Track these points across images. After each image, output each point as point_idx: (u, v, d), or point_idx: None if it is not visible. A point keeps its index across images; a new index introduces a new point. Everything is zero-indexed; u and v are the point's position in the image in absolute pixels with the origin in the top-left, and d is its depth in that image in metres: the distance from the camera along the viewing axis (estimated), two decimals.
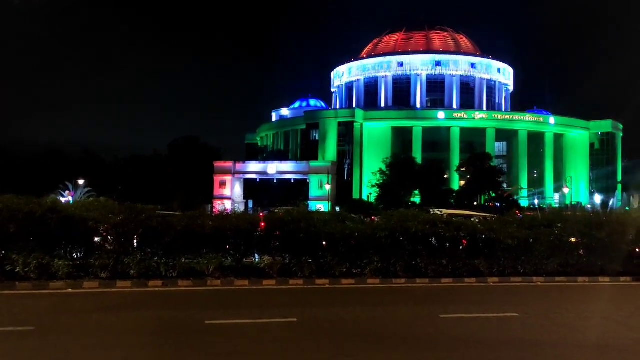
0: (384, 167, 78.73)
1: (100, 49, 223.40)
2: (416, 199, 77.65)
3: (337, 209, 67.57)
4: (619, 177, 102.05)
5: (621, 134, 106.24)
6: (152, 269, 18.48)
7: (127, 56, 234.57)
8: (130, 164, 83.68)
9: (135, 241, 19.34)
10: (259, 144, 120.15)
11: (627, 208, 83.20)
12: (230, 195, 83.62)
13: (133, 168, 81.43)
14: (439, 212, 26.73)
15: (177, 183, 76.72)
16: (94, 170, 78.02)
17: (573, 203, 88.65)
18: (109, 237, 19.26)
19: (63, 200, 46.88)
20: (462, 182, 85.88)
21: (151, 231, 19.07)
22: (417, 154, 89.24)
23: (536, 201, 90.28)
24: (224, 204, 64.19)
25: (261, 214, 28.18)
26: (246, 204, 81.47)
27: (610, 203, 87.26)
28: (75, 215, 18.86)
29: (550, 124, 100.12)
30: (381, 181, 77.58)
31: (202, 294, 17.10)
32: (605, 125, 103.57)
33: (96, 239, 19.30)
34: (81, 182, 70.41)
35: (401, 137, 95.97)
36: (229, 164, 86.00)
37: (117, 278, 17.85)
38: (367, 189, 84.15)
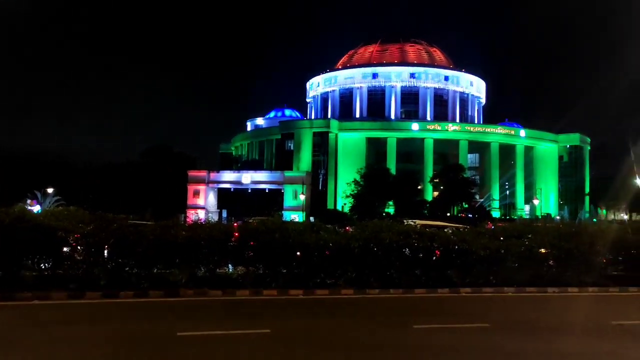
0: (358, 178, 79.10)
1: (76, 58, 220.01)
2: (390, 209, 78.13)
3: (312, 219, 67.51)
4: (587, 189, 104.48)
5: (589, 147, 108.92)
6: (123, 279, 18.16)
7: (100, 64, 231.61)
8: (102, 172, 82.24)
9: (106, 251, 19.01)
10: (234, 154, 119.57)
11: (594, 220, 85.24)
12: (204, 204, 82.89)
13: (105, 176, 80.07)
14: (412, 223, 26.96)
15: (150, 192, 75.73)
16: (64, 177, 76.41)
17: (543, 214, 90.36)
18: (79, 247, 18.88)
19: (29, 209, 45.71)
20: (436, 193, 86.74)
21: (123, 241, 18.77)
22: (392, 165, 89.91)
23: (508, 212, 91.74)
24: (197, 213, 63.70)
25: (235, 224, 28.01)
26: (220, 214, 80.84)
27: (579, 214, 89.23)
28: (44, 225, 18.45)
29: (521, 136, 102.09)
30: (355, 192, 77.88)
31: (174, 305, 16.85)
32: (573, 139, 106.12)
33: (65, 249, 18.90)
34: (50, 190, 68.83)
35: (376, 147, 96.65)
36: (203, 173, 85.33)
37: (87, 289, 17.48)
38: (342, 199, 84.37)
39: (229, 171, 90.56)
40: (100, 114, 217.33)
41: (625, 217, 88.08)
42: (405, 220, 29.88)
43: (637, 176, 59.62)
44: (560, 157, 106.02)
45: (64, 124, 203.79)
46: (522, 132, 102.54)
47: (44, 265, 18.60)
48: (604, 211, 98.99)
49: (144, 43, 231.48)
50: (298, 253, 20.15)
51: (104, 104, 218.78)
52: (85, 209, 21.71)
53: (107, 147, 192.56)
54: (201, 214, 64.33)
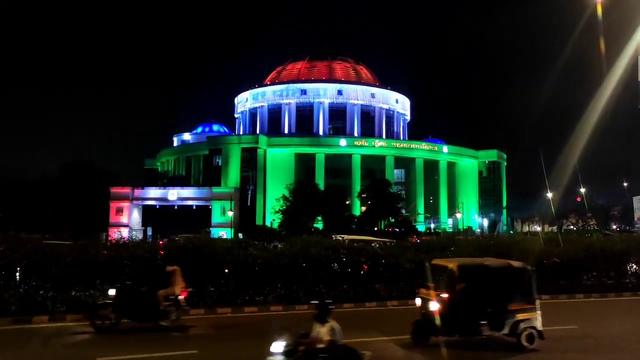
0: (287, 193, 79.17)
1: None
2: (319, 224, 78.64)
3: (240, 235, 66.71)
4: (504, 203, 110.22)
5: (505, 163, 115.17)
6: (37, 303, 17.08)
7: (18, 76, 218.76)
8: (14, 188, 77.19)
9: (18, 274, 17.84)
10: (159, 169, 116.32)
11: (511, 232, 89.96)
12: (127, 222, 79.88)
13: (18, 193, 75.26)
14: (340, 238, 27.26)
15: (68, 210, 71.99)
16: None
17: (465, 227, 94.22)
18: None
19: None
20: (364, 208, 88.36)
21: (37, 262, 17.71)
22: (320, 180, 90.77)
23: (432, 225, 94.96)
24: (120, 231, 61.12)
25: (161, 242, 27.19)
26: (145, 232, 78.11)
27: (497, 226, 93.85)
28: None
29: (444, 152, 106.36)
30: (284, 207, 77.83)
31: (91, 329, 16.01)
32: (491, 155, 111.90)
33: None
34: None
35: (304, 163, 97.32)
36: (126, 190, 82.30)
37: None
38: (271, 215, 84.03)
39: (154, 187, 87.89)
40: (17, 131, 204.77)
41: (539, 228, 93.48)
42: (333, 235, 30.20)
43: (548, 190, 63.61)
44: (480, 172, 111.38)
45: None
46: (445, 148, 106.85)
47: None
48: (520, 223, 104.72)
49: (65, 53, 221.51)
50: (226, 270, 19.86)
51: (21, 120, 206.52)
52: None
53: (22, 164, 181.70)
54: (124, 232, 61.83)
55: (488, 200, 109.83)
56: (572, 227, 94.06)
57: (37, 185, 78.96)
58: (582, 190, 78.86)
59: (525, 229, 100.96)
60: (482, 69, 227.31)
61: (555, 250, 24.70)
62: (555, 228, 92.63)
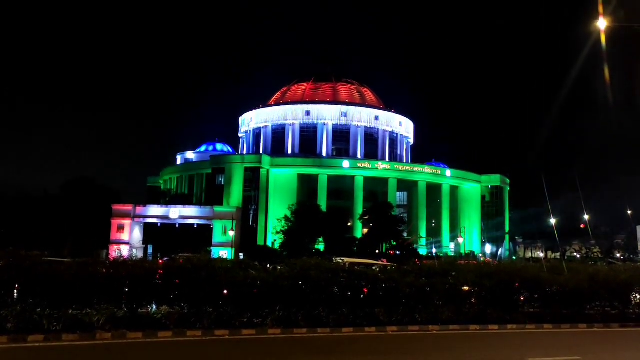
0: (289, 214, 78.98)
1: None
2: (320, 246, 78.27)
3: (241, 255, 66.48)
4: (507, 228, 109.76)
5: (508, 188, 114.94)
6: (33, 321, 16.90)
7: (22, 93, 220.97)
8: (15, 204, 77.17)
9: (15, 291, 17.71)
10: (162, 187, 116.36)
11: (513, 257, 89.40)
12: (128, 240, 79.71)
13: (19, 209, 75.22)
14: (340, 261, 27.07)
15: (69, 227, 71.90)
16: None
17: (467, 252, 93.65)
18: None
19: None
20: (365, 230, 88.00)
21: (35, 280, 17.58)
22: (322, 202, 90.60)
23: (434, 250, 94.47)
24: (120, 249, 60.95)
25: (160, 261, 27.06)
26: (145, 250, 77.97)
27: (499, 252, 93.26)
28: None
29: (447, 176, 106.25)
30: (286, 228, 77.58)
31: (88, 349, 15.85)
32: (494, 180, 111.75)
33: None
34: None
35: (307, 184, 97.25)
36: (128, 207, 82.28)
37: None
38: (272, 235, 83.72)
39: (156, 205, 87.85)
40: (20, 147, 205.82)
41: (542, 255, 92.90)
42: (334, 258, 30.00)
43: (552, 217, 63.39)
44: (483, 197, 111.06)
45: None
46: (448, 172, 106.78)
47: None
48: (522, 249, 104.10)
49: (69, 70, 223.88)
50: (225, 291, 19.68)
51: (25, 136, 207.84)
52: None
53: (27, 181, 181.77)
54: (125, 250, 61.68)
55: (490, 225, 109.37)
56: (575, 254, 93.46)
57: (39, 201, 79.00)
58: (586, 217, 78.52)
59: (528, 254, 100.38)
60: (486, 94, 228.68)
61: (559, 278, 24.43)
62: (558, 255, 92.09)
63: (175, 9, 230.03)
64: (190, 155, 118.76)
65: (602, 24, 18.80)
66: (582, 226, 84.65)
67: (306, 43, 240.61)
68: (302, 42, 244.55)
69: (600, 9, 18.37)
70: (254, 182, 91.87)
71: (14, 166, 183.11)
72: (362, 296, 21.28)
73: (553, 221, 72.91)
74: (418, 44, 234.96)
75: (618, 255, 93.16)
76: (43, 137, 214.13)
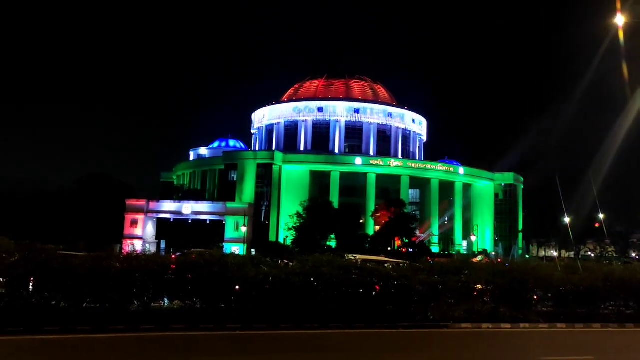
0: (301, 210, 79.04)
1: (10, 86, 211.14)
2: (332, 242, 78.25)
3: (253, 251, 66.69)
4: (520, 226, 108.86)
5: (522, 186, 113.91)
6: (48, 314, 17.13)
7: (39, 90, 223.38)
8: (32, 199, 78.16)
9: (31, 284, 17.95)
10: (175, 183, 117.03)
11: (527, 256, 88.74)
12: (141, 235, 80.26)
13: (35, 204, 76.14)
14: (353, 258, 27.07)
15: (84, 221, 72.61)
16: None
17: (479, 250, 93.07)
18: (1, 279, 17.76)
19: None
20: (377, 228, 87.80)
21: (50, 273, 17.80)
22: (334, 199, 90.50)
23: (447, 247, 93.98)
24: (133, 244, 61.48)
25: (173, 256, 27.24)
26: (158, 245, 78.44)
27: (512, 251, 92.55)
28: None
29: (460, 174, 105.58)
30: (298, 224, 77.67)
31: (102, 342, 16.02)
32: (507, 178, 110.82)
33: None
34: None
35: (319, 181, 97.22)
36: (141, 203, 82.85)
37: (8, 324, 16.35)
38: (284, 231, 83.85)
39: (169, 201, 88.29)
40: (35, 142, 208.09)
41: (555, 254, 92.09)
42: (346, 255, 30.03)
43: (566, 215, 62.75)
44: (496, 195, 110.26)
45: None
46: (461, 170, 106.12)
47: None
48: (536, 248, 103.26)
49: (87, 69, 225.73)
50: (237, 287, 19.78)
51: (40, 130, 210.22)
52: (11, 239, 20.54)
53: (43, 176, 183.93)
54: (138, 245, 62.12)
55: (504, 223, 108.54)
56: (589, 253, 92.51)
57: (54, 196, 79.89)
58: (601, 216, 77.59)
59: (542, 253, 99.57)
60: (500, 91, 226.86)
61: (573, 277, 24.21)
62: (572, 254, 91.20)
63: (192, 8, 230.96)
64: (203, 151, 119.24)
65: (620, 20, 18.55)
66: (596, 225, 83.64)
67: (320, 40, 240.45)
68: (316, 40, 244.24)
69: (618, 4, 18.12)
70: (266, 178, 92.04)
71: (28, 162, 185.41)
72: (373, 293, 21.26)
73: (567, 220, 72.21)
74: (431, 40, 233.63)
75: (633, 254, 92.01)
76: (58, 134, 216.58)
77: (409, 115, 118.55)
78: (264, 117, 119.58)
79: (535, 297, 23.73)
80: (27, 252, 18.31)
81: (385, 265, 25.36)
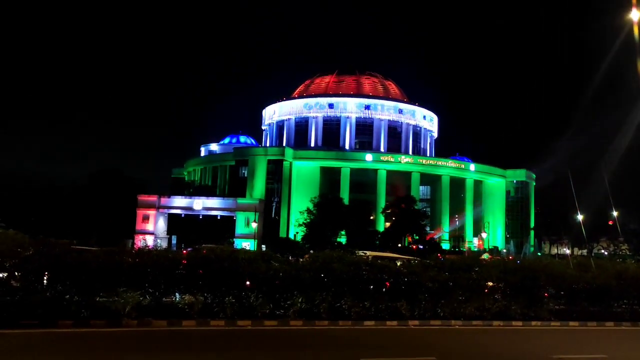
0: (311, 207, 79.06)
1: (24, 79, 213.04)
2: (342, 239, 78.23)
3: (263, 247, 66.89)
4: (532, 224, 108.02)
5: (534, 183, 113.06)
6: (62, 308, 17.32)
7: (51, 86, 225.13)
8: (45, 195, 79.00)
9: (45, 278, 18.15)
10: (186, 179, 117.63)
11: (538, 253, 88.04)
12: (153, 230, 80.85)
13: (49, 199, 76.95)
14: (363, 254, 27.04)
15: (96, 217, 73.28)
16: (4, 200, 73.02)
17: (490, 247, 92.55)
18: (16, 273, 17.96)
19: None
20: (388, 224, 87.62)
21: (64, 267, 17.98)
22: (345, 195, 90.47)
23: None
24: (145, 239, 61.95)
25: (184, 251, 27.38)
26: (169, 240, 78.98)
27: (524, 248, 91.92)
28: None
29: (471, 170, 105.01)
30: (308, 220, 77.69)
31: (115, 336, 16.19)
32: (519, 174, 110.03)
33: (0, 275, 17.93)
34: None
35: (330, 177, 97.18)
36: (153, 198, 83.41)
37: (22, 318, 16.55)
38: (294, 227, 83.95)
39: (180, 197, 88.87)
40: (49, 138, 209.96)
41: (568, 251, 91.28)
42: (356, 251, 30.00)
43: (578, 212, 62.15)
44: (508, 192, 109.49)
45: (13, 147, 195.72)
46: (472, 166, 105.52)
47: None
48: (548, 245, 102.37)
49: (99, 65, 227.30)
50: (248, 282, 19.85)
51: (52, 127, 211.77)
52: (25, 233, 20.76)
53: (57, 172, 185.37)
54: (150, 240, 62.61)
55: (515, 220, 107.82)
56: (602, 251, 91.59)
57: (67, 192, 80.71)
58: (615, 213, 76.73)
59: (554, 251, 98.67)
60: (511, 88, 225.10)
61: (585, 275, 24.03)
62: (585, 251, 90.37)
63: (205, 7, 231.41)
64: (214, 147, 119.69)
65: (635, 15, 18.32)
66: (610, 223, 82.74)
67: (331, 37, 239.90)
68: (327, 37, 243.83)
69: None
70: (276, 174, 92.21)
71: (42, 158, 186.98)
72: (384, 289, 21.23)
73: (580, 217, 71.57)
74: (442, 37, 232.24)
75: None
76: (71, 129, 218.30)
77: (420, 111, 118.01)
78: (274, 113, 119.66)
79: (547, 295, 23.58)
80: (41, 247, 18.50)
81: (396, 262, 25.28)
